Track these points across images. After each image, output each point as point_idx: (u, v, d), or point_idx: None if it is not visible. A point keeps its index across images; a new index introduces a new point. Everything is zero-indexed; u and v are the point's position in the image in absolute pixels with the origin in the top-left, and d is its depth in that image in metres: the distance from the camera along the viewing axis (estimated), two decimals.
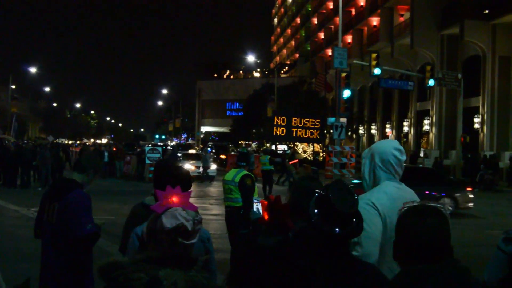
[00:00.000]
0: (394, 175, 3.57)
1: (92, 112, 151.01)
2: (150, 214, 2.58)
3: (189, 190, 3.15)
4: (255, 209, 8.29)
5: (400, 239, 2.50)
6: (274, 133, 30.71)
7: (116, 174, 33.24)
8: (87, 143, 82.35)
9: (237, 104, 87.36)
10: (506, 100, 39.08)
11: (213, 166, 34.66)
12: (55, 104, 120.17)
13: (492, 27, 39.13)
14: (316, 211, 2.68)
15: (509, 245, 4.31)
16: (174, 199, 2.52)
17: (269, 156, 25.71)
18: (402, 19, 49.64)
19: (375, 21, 54.01)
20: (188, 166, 32.11)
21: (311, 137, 31.16)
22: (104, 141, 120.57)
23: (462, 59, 43.37)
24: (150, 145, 46.18)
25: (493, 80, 39.35)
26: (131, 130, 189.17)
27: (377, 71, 31.22)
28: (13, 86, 66.01)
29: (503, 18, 37.71)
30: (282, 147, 53.13)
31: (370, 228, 3.24)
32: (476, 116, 40.80)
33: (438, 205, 2.50)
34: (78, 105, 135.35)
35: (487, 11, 39.17)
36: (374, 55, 31.52)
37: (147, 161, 29.12)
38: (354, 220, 2.71)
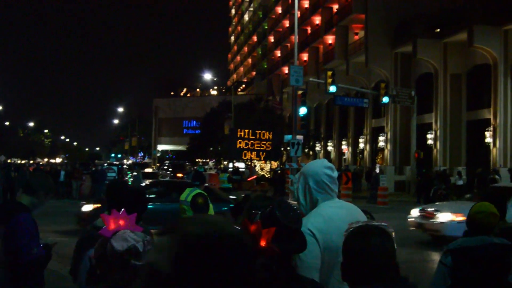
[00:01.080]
0: (330, 194, 3.53)
1: (46, 131, 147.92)
2: (99, 235, 2.57)
3: (138, 212, 3.10)
4: None
5: (347, 260, 2.49)
6: (238, 146, 30.73)
7: (72, 194, 32.45)
8: (40, 163, 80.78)
9: (194, 122, 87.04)
10: (458, 116, 39.87)
11: None
12: (7, 123, 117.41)
13: (443, 45, 39.94)
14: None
15: (448, 256, 4.41)
16: (121, 222, 2.51)
17: (227, 174, 25.54)
18: (356, 37, 50.29)
19: (330, 39, 54.55)
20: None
21: (267, 149, 31.26)
22: (58, 160, 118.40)
23: (415, 76, 44.14)
24: (105, 164, 45.58)
25: (445, 97, 40.09)
26: (86, 149, 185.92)
27: (332, 88, 31.42)
28: None
29: (454, 37, 38.57)
30: (239, 165, 53.03)
31: (307, 258, 3.20)
32: (429, 132, 41.43)
33: (382, 224, 2.51)
34: (31, 124, 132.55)
35: (438, 29, 40.00)
36: (329, 73, 31.76)
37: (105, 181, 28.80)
38: (298, 236, 2.75)
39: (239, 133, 30.73)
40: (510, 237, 4.82)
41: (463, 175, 32.97)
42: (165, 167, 61.30)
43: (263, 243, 2.37)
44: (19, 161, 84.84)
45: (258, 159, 35.08)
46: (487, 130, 36.54)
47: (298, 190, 3.60)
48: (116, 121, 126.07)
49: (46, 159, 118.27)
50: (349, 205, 3.66)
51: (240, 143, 30.18)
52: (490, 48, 35.69)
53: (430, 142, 41.27)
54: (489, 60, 36.40)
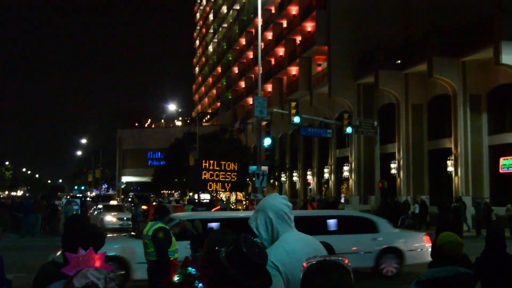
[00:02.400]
0: (290, 225, 3.57)
1: (7, 163, 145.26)
2: (59, 272, 2.57)
3: (103, 251, 3.01)
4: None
5: None
6: (203, 178, 30.46)
7: (35, 229, 31.30)
8: (1, 196, 78.96)
9: (159, 153, 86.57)
10: (420, 146, 40.39)
11: None
12: None
13: (404, 76, 40.59)
14: (229, 263, 2.73)
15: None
16: (86, 260, 2.53)
17: (192, 206, 25.06)
18: (320, 68, 50.76)
19: (294, 70, 54.95)
20: (110, 218, 31.14)
21: (233, 180, 31.08)
22: (19, 193, 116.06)
23: (377, 107, 44.70)
24: (68, 197, 44.72)
25: (407, 127, 40.60)
26: (49, 181, 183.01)
27: (296, 119, 31.50)
28: None
29: (414, 68, 39.22)
30: (204, 196, 52.72)
31: None
32: (392, 161, 41.86)
33: (339, 259, 2.51)
34: None
35: (399, 61, 40.67)
36: (293, 104, 31.88)
37: (63, 214, 28.18)
38: (264, 271, 2.83)
39: (204, 164, 30.44)
40: (466, 265, 4.87)
41: (428, 204, 33.30)
42: (130, 199, 60.54)
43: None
44: None
45: (223, 190, 34.68)
46: (449, 159, 37.05)
47: (258, 226, 3.59)
48: (79, 153, 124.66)
49: (7, 192, 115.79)
50: (310, 237, 3.67)
51: (205, 174, 29.98)
52: (449, 79, 36.37)
53: (393, 171, 41.67)
54: (448, 90, 37.08)
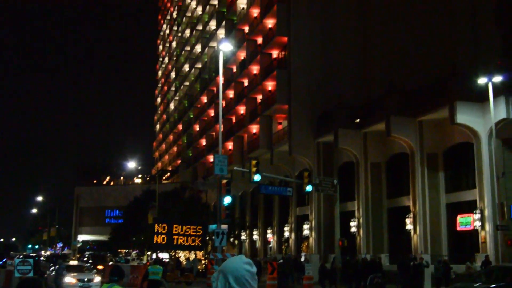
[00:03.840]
0: None
1: None
2: None
3: None
4: None
5: None
6: (155, 241, 30.07)
7: None
8: None
9: (117, 211, 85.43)
10: (379, 204, 40.75)
11: (97, 279, 30.66)
12: None
13: (363, 135, 41.24)
14: None
15: None
16: None
17: (161, 267, 24.26)
18: (280, 127, 51.15)
19: (255, 128, 55.23)
20: (69, 279, 29.85)
21: (193, 244, 30.84)
22: None
23: (337, 165, 45.09)
24: (21, 256, 43.27)
25: (366, 185, 40.99)
26: (1, 240, 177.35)
27: (257, 177, 31.54)
28: None
29: (372, 127, 39.97)
30: (163, 255, 51.86)
31: None
32: (352, 219, 41.95)
33: None
34: None
35: (358, 120, 41.40)
36: (254, 162, 31.98)
37: (17, 274, 27.05)
38: None
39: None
40: None
41: (386, 262, 33.35)
42: (85, 258, 59.19)
43: None
44: None
45: (188, 251, 34.37)
46: (407, 217, 37.39)
47: None
48: (34, 210, 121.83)
49: None
50: None
51: (157, 237, 29.77)
52: (406, 138, 37.12)
53: (353, 229, 41.72)
54: (406, 149, 37.80)
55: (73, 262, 42.02)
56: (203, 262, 50.09)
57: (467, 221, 34.19)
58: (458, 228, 35.11)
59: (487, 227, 32.28)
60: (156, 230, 29.62)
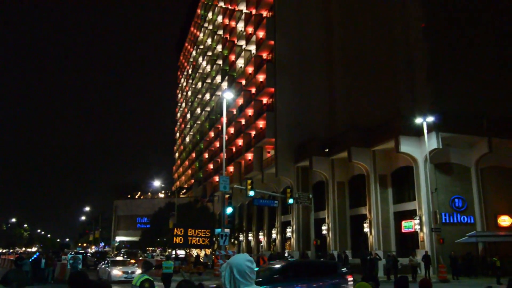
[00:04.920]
0: (249, 281, 3.43)
1: (26, 225, 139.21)
2: None
3: None
4: None
5: None
6: (174, 242, 29.74)
7: (48, 279, 29.36)
8: (19, 252, 75.21)
9: (146, 219, 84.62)
10: (344, 213, 40.59)
11: (138, 271, 27.72)
12: None
13: (331, 161, 41.24)
14: None
15: None
16: None
17: (172, 262, 23.86)
18: (269, 155, 51.04)
19: (249, 156, 55.07)
20: (116, 271, 28.67)
21: (203, 243, 30.48)
22: (34, 249, 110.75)
23: (312, 183, 44.98)
24: (72, 253, 42.60)
25: (333, 198, 40.88)
26: (58, 240, 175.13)
27: (251, 193, 31.51)
28: None
29: (338, 155, 39.98)
30: (181, 252, 51.32)
31: None
32: (323, 225, 41.76)
33: None
34: (13, 220, 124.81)
35: (327, 149, 41.48)
36: (249, 181, 31.96)
37: (69, 267, 26.68)
38: None
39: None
40: None
41: (350, 257, 33.09)
42: (121, 254, 58.47)
43: None
44: (0, 250, 78.52)
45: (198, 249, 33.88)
46: (365, 222, 37.27)
47: (224, 277, 3.47)
48: (83, 218, 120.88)
49: (23, 248, 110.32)
50: None
51: (176, 238, 29.40)
52: (363, 163, 37.22)
53: (324, 232, 41.51)
54: (363, 171, 37.84)
55: (119, 258, 40.09)
56: (213, 257, 49.53)
57: (409, 225, 34.11)
58: (403, 230, 35.02)
59: (424, 229, 32.21)
60: (175, 233, 29.30)
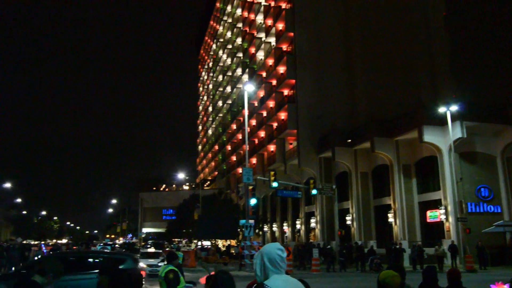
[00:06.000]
0: (279, 269, 3.46)
1: (55, 218, 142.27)
2: None
3: None
4: None
5: None
6: (200, 232, 30.03)
7: None
8: (50, 243, 76.94)
9: (171, 210, 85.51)
10: (367, 203, 40.35)
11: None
12: (24, 212, 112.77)
13: (354, 152, 40.99)
14: None
15: None
16: None
17: (182, 254, 23.71)
18: (291, 146, 51.07)
19: (272, 148, 55.14)
20: (141, 264, 28.46)
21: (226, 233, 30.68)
22: (64, 241, 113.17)
23: (335, 174, 44.79)
24: (101, 244, 43.44)
25: (357, 189, 40.66)
26: (87, 232, 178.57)
27: (274, 184, 31.62)
28: None
29: (361, 145, 39.71)
30: (206, 243, 51.83)
31: None
32: (347, 215, 41.61)
33: None
34: (44, 212, 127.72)
35: (349, 140, 41.23)
36: (272, 173, 32.05)
37: None
38: None
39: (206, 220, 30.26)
40: None
41: (374, 247, 32.91)
42: (148, 245, 59.34)
43: None
44: (32, 242, 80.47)
45: (219, 238, 34.14)
46: (389, 212, 37.00)
47: (256, 265, 3.52)
48: (110, 210, 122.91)
49: (54, 240, 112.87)
50: (294, 280, 3.57)
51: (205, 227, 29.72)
52: (386, 153, 36.86)
53: (348, 222, 41.36)
54: (386, 161, 37.50)
55: (151, 250, 38.47)
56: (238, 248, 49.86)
57: (434, 215, 33.75)
58: (428, 220, 34.66)
59: (450, 219, 31.83)
60: (200, 223, 29.59)
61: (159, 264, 25.73)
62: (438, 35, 38.39)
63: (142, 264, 26.28)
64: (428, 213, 34.48)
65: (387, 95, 42.07)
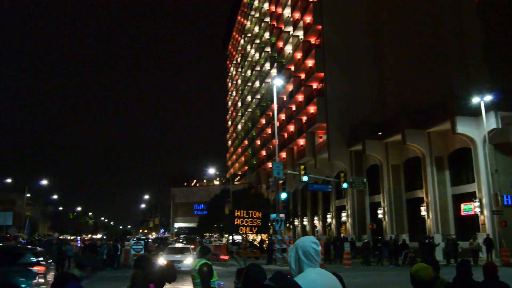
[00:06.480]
0: (314, 263, 3.46)
1: (90, 213, 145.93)
2: None
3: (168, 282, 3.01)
4: None
5: None
6: (235, 223, 30.24)
7: (114, 264, 30.51)
8: (85, 238, 78.96)
9: (202, 205, 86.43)
10: (399, 196, 39.84)
11: (188, 260, 24.42)
12: (60, 208, 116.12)
13: (385, 144, 40.50)
14: None
15: None
16: None
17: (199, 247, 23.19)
18: (321, 140, 50.83)
19: (302, 141, 55.02)
20: (161, 260, 28.27)
21: (254, 227, 30.82)
22: (99, 236, 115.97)
23: (365, 167, 44.42)
24: (135, 239, 44.22)
25: (388, 182, 40.19)
26: (120, 227, 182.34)
27: (305, 178, 31.57)
28: (28, 195, 63.71)
29: (392, 138, 39.18)
30: (237, 237, 52.14)
31: None
32: (379, 208, 41.22)
33: None
34: (79, 208, 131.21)
35: (380, 133, 40.77)
36: (302, 167, 32.00)
37: (132, 252, 27.56)
38: None
39: (236, 213, 30.45)
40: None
41: (407, 241, 32.43)
42: (180, 240, 60.18)
43: None
44: (68, 237, 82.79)
45: (251, 232, 34.39)
46: (422, 206, 36.45)
47: (290, 257, 3.53)
48: (143, 205, 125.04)
49: (89, 235, 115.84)
50: (327, 273, 3.54)
51: (237, 220, 29.87)
52: (418, 146, 36.28)
53: (380, 216, 40.98)
54: (418, 154, 36.90)
55: (179, 245, 36.96)
56: (266, 241, 50.04)
57: (469, 208, 33.05)
58: (462, 213, 33.99)
59: (485, 212, 31.13)
60: (236, 215, 29.92)
61: (184, 261, 25.07)
62: (470, 22, 37.36)
63: (164, 260, 24.14)
64: (462, 206, 33.79)
65: (418, 86, 41.28)
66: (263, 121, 74.24)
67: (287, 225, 51.65)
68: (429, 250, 28.34)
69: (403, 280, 19.29)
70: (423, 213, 36.20)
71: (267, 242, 49.54)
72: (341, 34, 48.12)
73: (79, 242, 52.16)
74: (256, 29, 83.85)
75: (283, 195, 31.92)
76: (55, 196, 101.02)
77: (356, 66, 47.13)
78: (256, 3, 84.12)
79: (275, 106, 35.37)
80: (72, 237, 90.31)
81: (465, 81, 36.68)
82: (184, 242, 52.91)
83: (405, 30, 43.82)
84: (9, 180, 67.33)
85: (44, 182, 68.94)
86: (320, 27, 49.83)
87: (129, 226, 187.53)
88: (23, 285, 10.97)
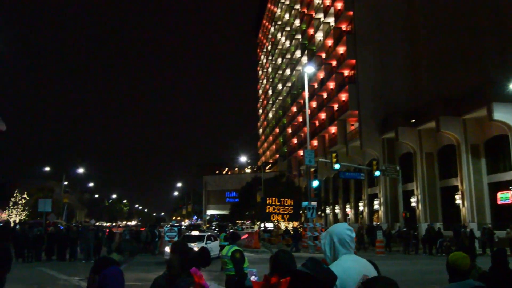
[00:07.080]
0: (349, 249, 3.45)
1: (125, 201, 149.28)
2: (169, 285, 2.63)
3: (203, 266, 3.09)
4: (250, 277, 7.98)
5: None
6: (267, 211, 30.43)
7: (154, 250, 31.07)
8: (120, 225, 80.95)
9: (234, 193, 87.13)
10: (433, 184, 39.16)
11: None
12: (96, 196, 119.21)
13: (418, 132, 39.78)
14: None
15: None
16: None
17: (225, 234, 23.01)
18: (352, 127, 50.38)
19: (333, 129, 54.69)
20: (168, 248, 28.14)
21: (286, 214, 30.90)
22: (133, 222, 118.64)
23: (398, 155, 43.83)
24: (168, 226, 45.03)
25: (422, 170, 39.54)
26: (154, 214, 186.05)
27: (337, 166, 31.40)
28: (66, 183, 65.60)
29: (426, 125, 38.45)
30: (268, 225, 52.40)
31: None
32: (412, 197, 40.67)
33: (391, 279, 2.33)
34: (114, 196, 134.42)
35: (413, 120, 40.03)
36: (334, 155, 31.82)
37: (166, 238, 27.91)
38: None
39: (268, 200, 30.56)
40: (485, 281, 4.67)
41: (441, 230, 31.93)
42: (213, 227, 60.97)
43: None
44: (104, 224, 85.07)
45: (282, 220, 34.44)
46: (457, 194, 35.75)
47: (325, 245, 3.51)
48: (176, 193, 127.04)
49: (124, 222, 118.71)
50: (363, 260, 3.52)
51: (268, 208, 30.01)
52: (453, 133, 35.48)
53: (413, 204, 40.43)
54: (453, 141, 36.11)
55: (195, 233, 36.37)
56: (299, 229, 50.11)
57: (506, 196, 32.18)
58: (499, 202, 33.11)
59: None
60: (268, 203, 30.06)
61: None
62: (508, 5, 36.07)
63: (168, 249, 24.80)
64: (499, 194, 32.93)
65: (453, 71, 40.26)
66: (294, 109, 74.00)
67: (319, 213, 51.58)
68: (470, 239, 27.78)
69: (437, 269, 19.12)
70: (458, 201, 35.50)
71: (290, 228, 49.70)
72: (373, 20, 47.26)
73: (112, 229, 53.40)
74: (287, 16, 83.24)
75: (315, 183, 31.95)
76: (91, 184, 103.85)
77: (389, 52, 46.28)
78: None
79: (306, 93, 35.20)
80: (108, 224, 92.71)
81: (502, 66, 35.56)
82: (216, 229, 53.57)
83: (440, 14, 42.70)
84: (47, 169, 69.55)
85: (81, 170, 70.86)
86: (351, 13, 49.07)
87: (162, 213, 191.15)
88: None
